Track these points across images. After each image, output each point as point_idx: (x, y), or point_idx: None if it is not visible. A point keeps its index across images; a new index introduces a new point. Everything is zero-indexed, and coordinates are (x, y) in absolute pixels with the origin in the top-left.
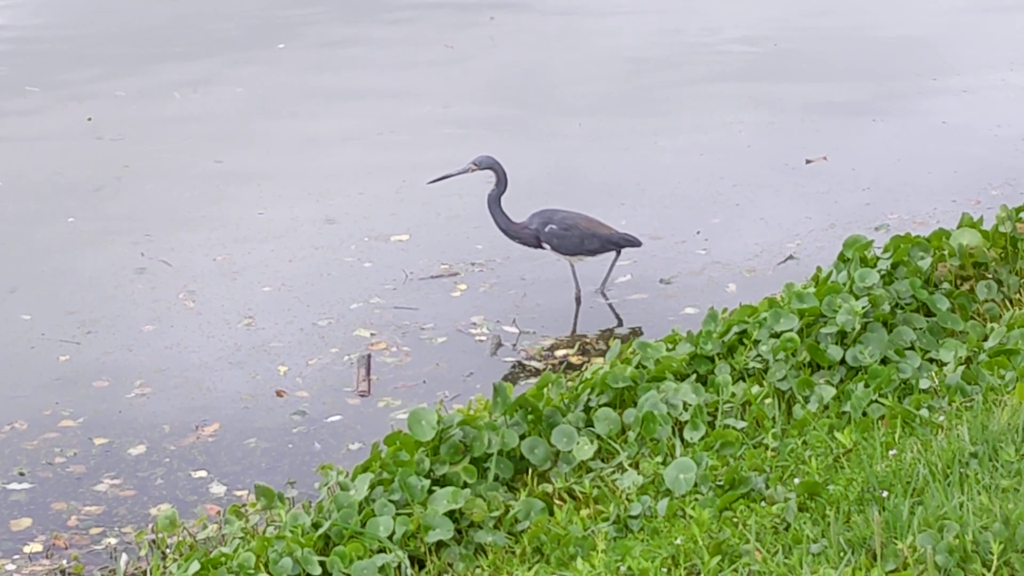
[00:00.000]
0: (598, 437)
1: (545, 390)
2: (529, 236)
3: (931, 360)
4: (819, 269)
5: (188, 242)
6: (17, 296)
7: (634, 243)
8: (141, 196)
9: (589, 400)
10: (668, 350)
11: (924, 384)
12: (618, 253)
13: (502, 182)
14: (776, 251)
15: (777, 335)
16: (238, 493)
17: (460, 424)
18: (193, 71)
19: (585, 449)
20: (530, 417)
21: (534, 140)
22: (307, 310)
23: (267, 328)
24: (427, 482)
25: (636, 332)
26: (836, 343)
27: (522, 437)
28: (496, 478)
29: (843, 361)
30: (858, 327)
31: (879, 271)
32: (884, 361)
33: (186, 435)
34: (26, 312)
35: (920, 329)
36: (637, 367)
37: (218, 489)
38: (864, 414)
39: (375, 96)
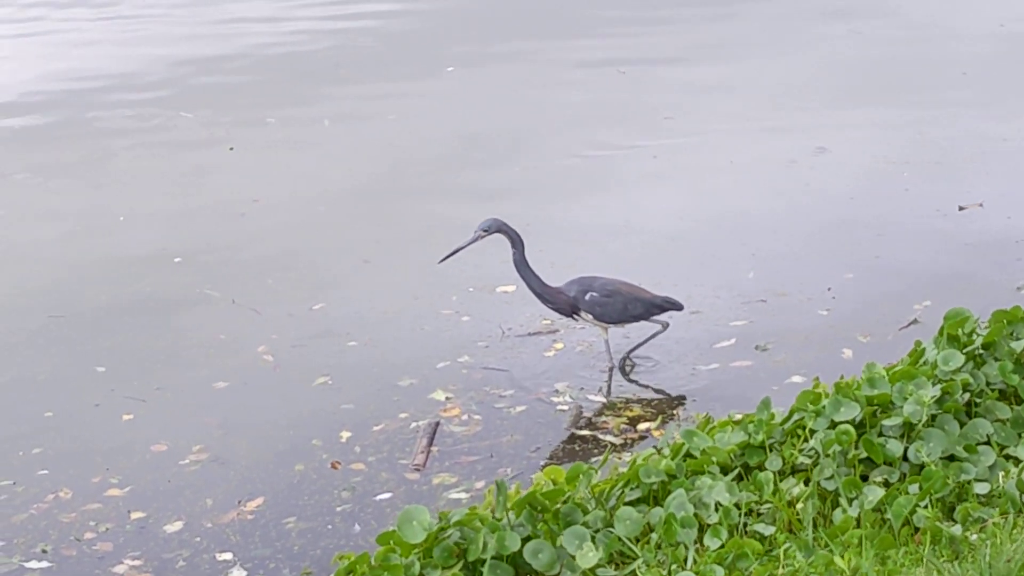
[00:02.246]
0: (619, 539)
1: (575, 481)
2: (564, 303)
3: (1008, 457)
4: (917, 344)
5: (280, 289)
6: (96, 344)
7: (676, 306)
8: None
9: (623, 495)
10: (717, 437)
11: (982, 489)
12: (664, 327)
13: (518, 242)
14: (903, 312)
15: (835, 425)
16: None
17: (457, 524)
18: None
19: (589, 556)
20: (545, 516)
21: None
22: (390, 369)
23: (343, 389)
24: None
25: (731, 405)
26: (901, 437)
27: (528, 539)
28: None
29: (907, 458)
30: (925, 419)
31: (968, 352)
32: (952, 458)
33: (227, 511)
34: (101, 364)
35: (1001, 421)
36: (684, 457)
37: (239, 574)
38: (908, 523)
39: None
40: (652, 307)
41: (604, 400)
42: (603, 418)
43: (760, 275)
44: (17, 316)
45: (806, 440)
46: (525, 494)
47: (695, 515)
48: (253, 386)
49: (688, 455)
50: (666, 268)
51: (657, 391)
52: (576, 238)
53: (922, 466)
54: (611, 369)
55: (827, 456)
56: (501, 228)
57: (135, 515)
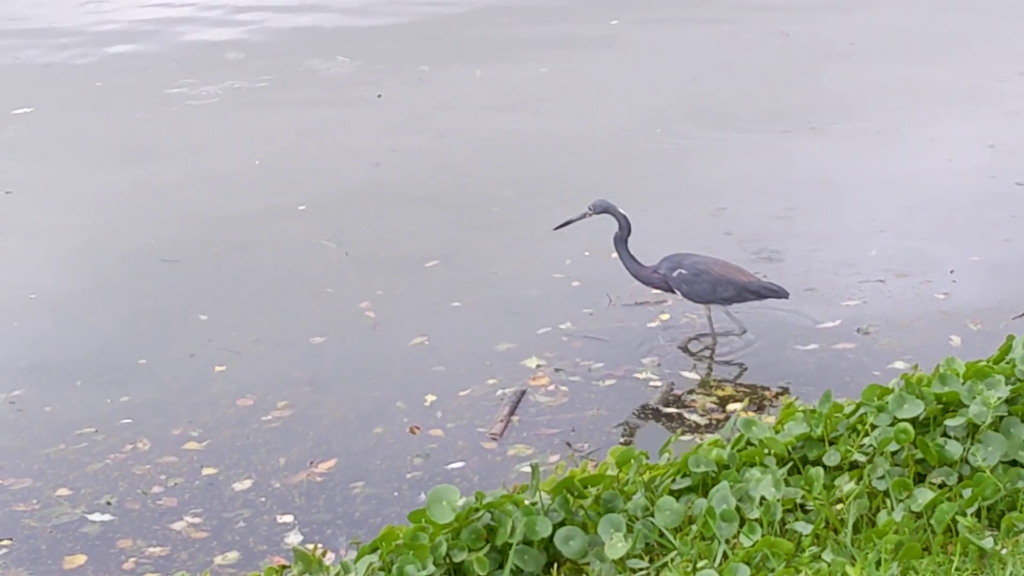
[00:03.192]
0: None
1: (625, 467)
2: (659, 280)
3: None
4: (1009, 339)
5: (396, 243)
6: (203, 292)
7: (779, 294)
8: None
9: (667, 483)
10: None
11: None
12: (741, 332)
13: (623, 224)
14: (1018, 303)
15: (897, 422)
16: (311, 545)
17: (488, 506)
18: None
19: (618, 547)
20: (582, 501)
21: None
22: (489, 332)
23: (438, 350)
24: (433, 571)
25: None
26: (964, 438)
27: (561, 524)
28: (518, 571)
29: (969, 461)
30: (990, 420)
31: None
32: (1014, 463)
33: (298, 471)
34: (204, 312)
35: None
36: (743, 446)
37: (295, 539)
38: (951, 530)
39: None
40: (745, 291)
41: (697, 377)
42: (692, 396)
43: (883, 253)
44: (130, 258)
45: (866, 435)
46: (562, 478)
47: (736, 508)
48: (349, 343)
49: (748, 444)
50: (787, 240)
51: (753, 370)
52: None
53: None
54: (713, 345)
55: (881, 454)
56: (607, 208)
57: (207, 471)
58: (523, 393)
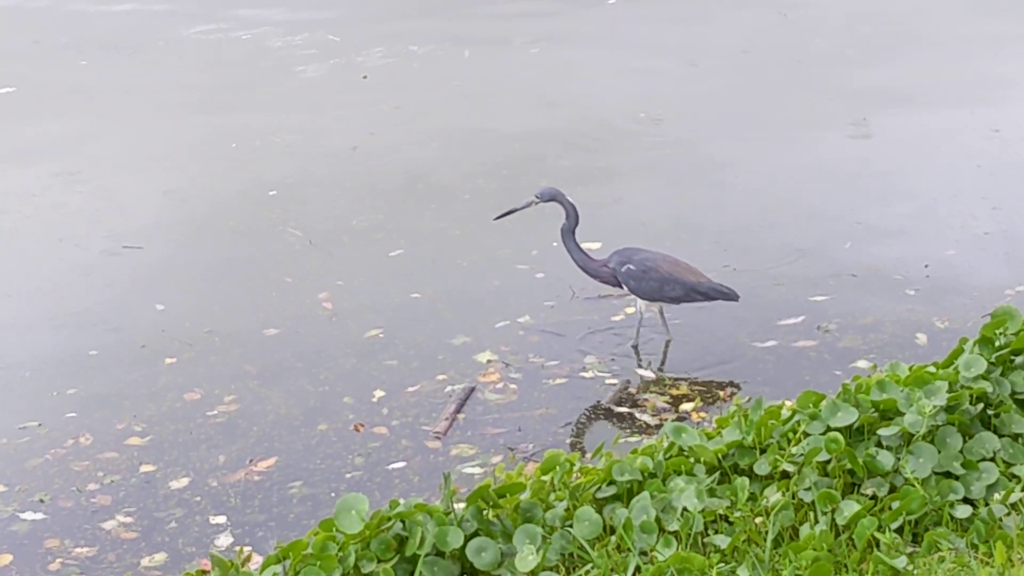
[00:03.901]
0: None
1: (548, 475)
2: (607, 274)
3: (1012, 476)
4: (962, 342)
5: (363, 231)
6: (161, 280)
7: (729, 296)
8: None
9: (597, 491)
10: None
11: (964, 512)
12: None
13: (571, 214)
14: (995, 298)
15: (828, 431)
16: (239, 548)
17: (398, 515)
18: None
19: (528, 559)
20: (497, 511)
21: None
22: (446, 325)
23: (392, 343)
24: None
25: (784, 389)
26: (897, 447)
27: (474, 535)
28: None
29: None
30: (924, 430)
31: (1000, 357)
32: (948, 475)
33: (236, 470)
34: (160, 301)
35: (1014, 436)
36: (674, 454)
37: (225, 541)
38: (875, 545)
39: None
40: (694, 292)
41: (652, 375)
42: (646, 396)
43: (859, 246)
44: (85, 245)
45: (795, 444)
46: (476, 487)
47: (657, 520)
48: (304, 335)
49: (680, 451)
50: (763, 230)
51: (709, 368)
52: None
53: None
54: (635, 347)
55: (809, 465)
56: (555, 196)
57: (145, 468)
58: (471, 390)
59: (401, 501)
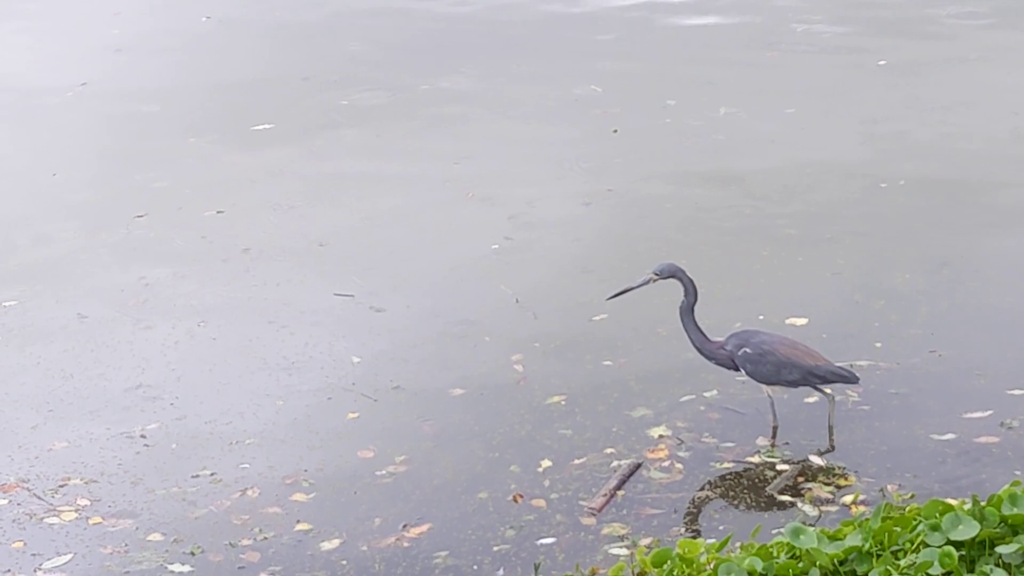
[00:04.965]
0: None
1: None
2: (724, 357)
3: None
4: None
5: (571, 289)
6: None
7: (848, 379)
8: None
9: None
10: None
11: None
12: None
13: (690, 291)
14: None
15: (948, 543)
16: None
17: None
18: None
19: None
20: None
21: None
22: (630, 396)
23: (572, 411)
24: None
25: (957, 488)
26: (1018, 566)
27: None
28: None
29: None
30: None
31: None
32: None
33: (389, 534)
34: (355, 354)
35: None
36: (792, 557)
37: None
38: None
39: None
40: (811, 375)
41: (823, 464)
42: (811, 484)
43: None
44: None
45: (915, 554)
46: None
47: None
48: (488, 396)
49: (795, 555)
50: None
51: (881, 459)
52: None
53: None
54: (774, 428)
55: None
56: (675, 274)
57: (300, 526)
58: (637, 466)
59: None
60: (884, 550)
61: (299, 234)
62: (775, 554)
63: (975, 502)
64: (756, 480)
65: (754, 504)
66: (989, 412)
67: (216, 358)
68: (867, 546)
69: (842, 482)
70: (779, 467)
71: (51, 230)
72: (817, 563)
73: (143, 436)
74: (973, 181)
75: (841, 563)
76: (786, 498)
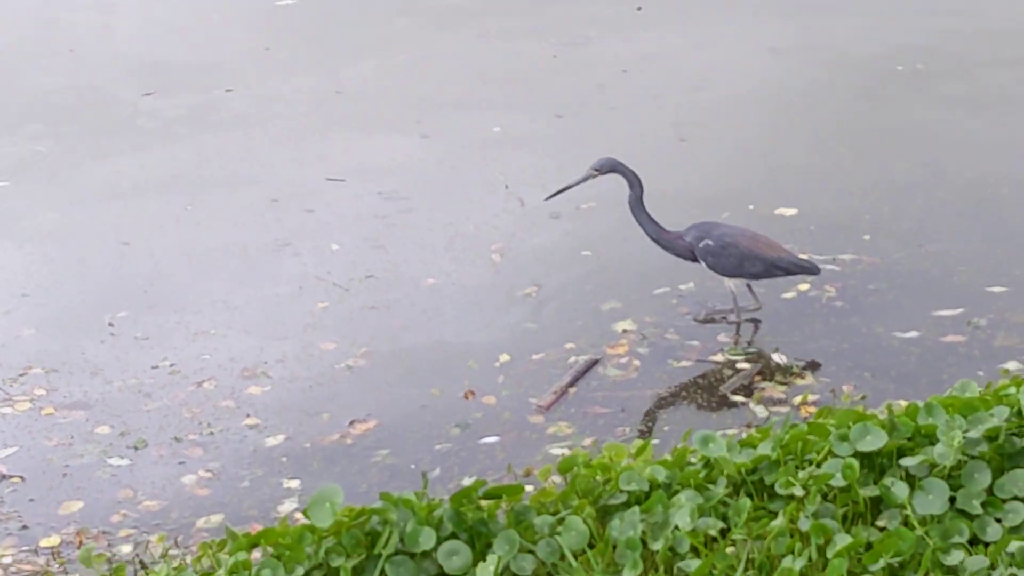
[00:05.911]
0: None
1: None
2: (683, 248)
3: None
4: None
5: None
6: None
7: (810, 270)
8: None
9: (609, 499)
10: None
11: (954, 559)
12: (755, 308)
13: (635, 183)
14: None
15: (855, 455)
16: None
17: (372, 511)
18: None
19: (488, 570)
20: (487, 513)
21: None
22: (604, 289)
23: (540, 305)
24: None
25: (917, 389)
26: (919, 479)
27: (450, 537)
28: None
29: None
30: (951, 461)
31: None
32: (964, 514)
33: (334, 432)
34: (335, 242)
35: None
36: (701, 464)
37: (288, 507)
38: None
39: None
40: (774, 267)
41: (783, 362)
42: (766, 384)
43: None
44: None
45: (818, 465)
46: (461, 488)
47: (641, 538)
48: (461, 287)
49: (707, 464)
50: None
51: (845, 357)
52: None
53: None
54: (737, 325)
55: (816, 490)
56: (615, 167)
57: (248, 421)
58: (594, 363)
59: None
60: (796, 460)
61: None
62: (692, 462)
63: (889, 410)
64: (713, 379)
65: (705, 404)
66: (960, 310)
67: (198, 243)
68: (775, 455)
69: (798, 381)
70: (739, 366)
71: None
72: (725, 472)
73: (111, 324)
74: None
75: (751, 472)
76: (739, 398)
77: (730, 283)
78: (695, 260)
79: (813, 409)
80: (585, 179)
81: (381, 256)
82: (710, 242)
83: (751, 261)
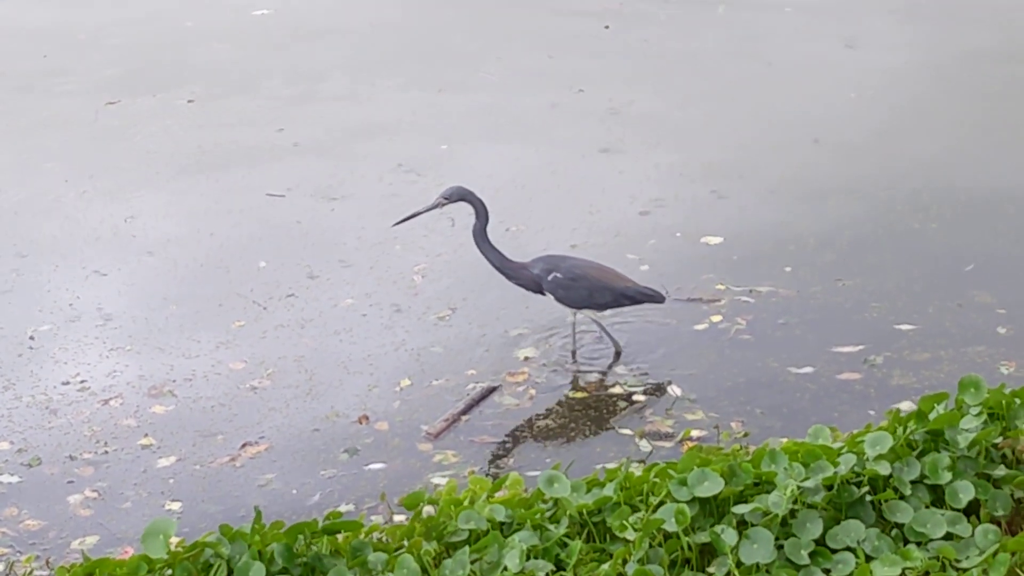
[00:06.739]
0: None
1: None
2: (528, 279)
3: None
4: (893, 414)
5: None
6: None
7: (655, 299)
8: None
9: (452, 535)
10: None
11: None
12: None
13: (481, 212)
14: None
15: (691, 500)
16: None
17: (204, 545)
18: None
19: None
20: (319, 546)
21: None
22: (515, 314)
23: (451, 328)
24: None
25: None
26: (749, 526)
27: (280, 572)
28: None
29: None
30: (784, 511)
31: (917, 437)
32: (791, 563)
33: (227, 452)
34: (263, 259)
35: (887, 526)
36: (550, 507)
37: None
38: None
39: None
40: (623, 297)
41: (678, 395)
42: (656, 418)
43: (981, 271)
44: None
45: (655, 510)
46: (292, 525)
47: None
48: (378, 308)
49: (555, 504)
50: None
51: (741, 392)
52: None
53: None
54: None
55: (647, 535)
56: (464, 196)
57: (144, 441)
58: (491, 390)
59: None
60: (637, 502)
61: None
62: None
63: (734, 455)
64: (605, 412)
65: (592, 436)
66: (860, 347)
67: (131, 258)
68: (616, 497)
69: (688, 416)
70: (635, 398)
71: None
72: (567, 512)
73: (31, 338)
74: None
75: (596, 513)
76: (627, 431)
77: (577, 315)
78: (540, 292)
79: (692, 445)
80: (434, 207)
81: (304, 274)
82: (559, 275)
83: (600, 292)
